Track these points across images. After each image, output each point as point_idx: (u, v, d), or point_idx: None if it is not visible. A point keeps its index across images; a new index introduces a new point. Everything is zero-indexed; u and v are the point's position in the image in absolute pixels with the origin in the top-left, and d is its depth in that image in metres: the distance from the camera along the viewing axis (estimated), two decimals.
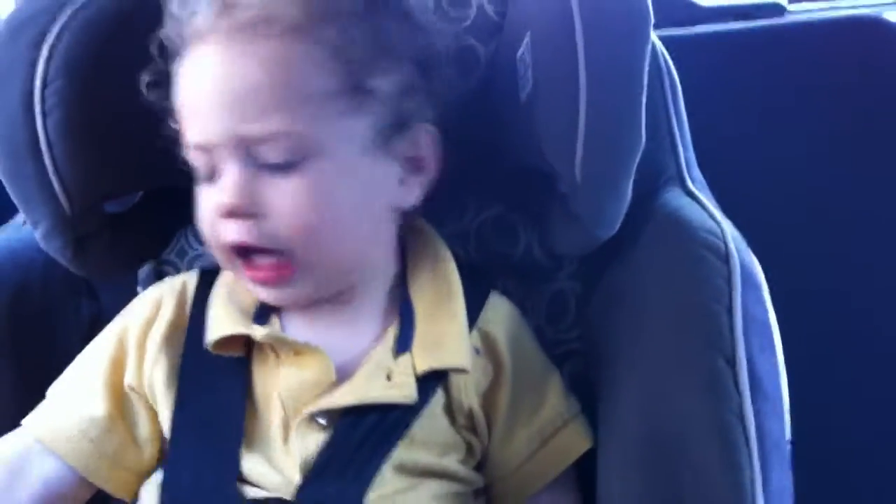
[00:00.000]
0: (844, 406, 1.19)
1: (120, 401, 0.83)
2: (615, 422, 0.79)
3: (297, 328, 0.83)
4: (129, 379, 0.83)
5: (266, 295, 0.81)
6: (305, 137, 0.75)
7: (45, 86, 0.84)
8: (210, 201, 0.78)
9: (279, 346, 0.80)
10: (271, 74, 0.74)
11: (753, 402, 0.69)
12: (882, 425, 1.20)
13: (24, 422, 0.83)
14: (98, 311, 0.98)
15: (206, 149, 0.77)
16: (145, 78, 0.83)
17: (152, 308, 0.87)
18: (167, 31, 0.81)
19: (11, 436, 0.83)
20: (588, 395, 0.86)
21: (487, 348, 0.84)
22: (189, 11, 0.78)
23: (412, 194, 0.83)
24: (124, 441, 0.82)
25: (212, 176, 0.78)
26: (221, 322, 0.82)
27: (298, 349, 0.79)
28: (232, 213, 0.76)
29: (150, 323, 0.85)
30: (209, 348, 0.81)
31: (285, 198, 0.75)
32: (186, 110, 0.78)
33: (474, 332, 0.84)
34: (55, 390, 0.85)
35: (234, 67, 0.75)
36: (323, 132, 0.75)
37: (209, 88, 0.76)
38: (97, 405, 0.82)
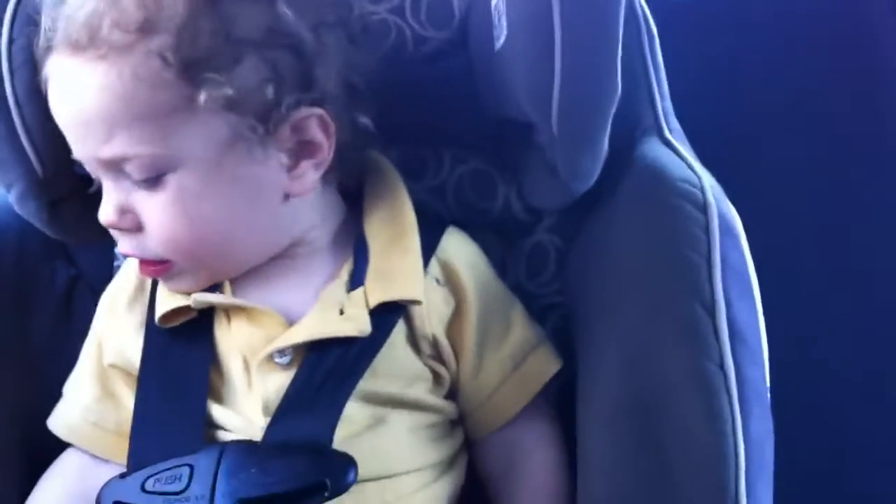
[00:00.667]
0: (840, 388, 1.20)
1: (105, 381, 0.85)
2: (596, 374, 0.79)
3: (248, 284, 0.83)
4: (108, 358, 0.85)
5: (167, 286, 0.82)
6: (155, 156, 0.73)
7: (10, 42, 0.83)
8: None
9: (227, 308, 0.81)
10: (103, 100, 0.72)
11: (733, 350, 0.70)
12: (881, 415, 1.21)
13: (48, 423, 0.86)
14: (75, 276, 0.98)
15: (85, 165, 0.78)
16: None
17: (117, 283, 0.89)
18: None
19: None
20: (570, 349, 0.86)
21: (447, 277, 0.84)
22: (46, 26, 0.75)
23: (306, 179, 0.79)
24: (119, 415, 0.84)
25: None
26: (165, 295, 0.82)
27: (244, 308, 0.80)
28: (113, 227, 0.78)
29: (114, 298, 0.87)
30: (158, 323, 0.81)
31: (153, 214, 0.76)
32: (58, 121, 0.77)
33: (433, 263, 0.83)
34: (66, 387, 0.88)
35: (74, 93, 0.73)
36: (172, 147, 0.73)
37: (59, 111, 0.76)
38: (87, 391, 0.85)
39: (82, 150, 0.76)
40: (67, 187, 0.88)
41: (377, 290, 0.79)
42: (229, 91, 0.72)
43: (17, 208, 0.88)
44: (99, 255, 0.97)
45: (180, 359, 0.81)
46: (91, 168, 0.78)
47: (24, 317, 0.93)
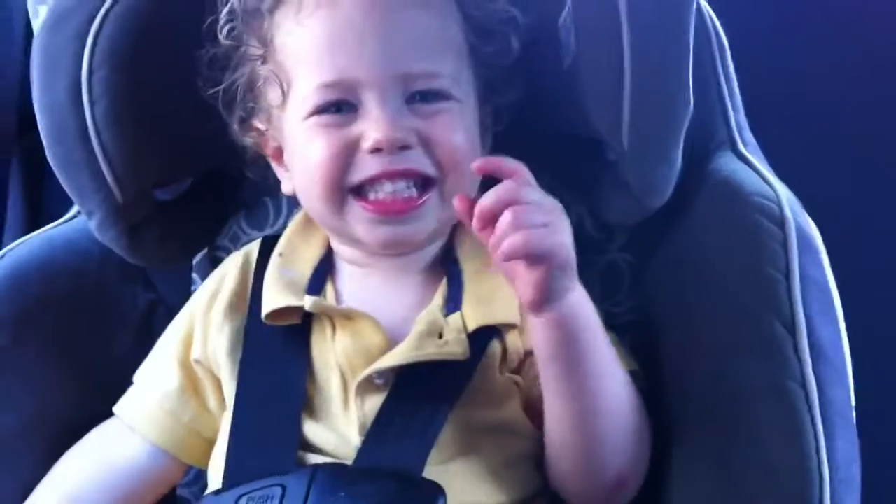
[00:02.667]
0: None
1: (191, 374, 0.87)
2: (675, 391, 0.79)
3: (350, 294, 0.84)
4: (195, 353, 0.86)
5: (383, 233, 0.80)
6: (454, 80, 0.80)
7: (91, 74, 0.85)
8: (342, 135, 0.77)
9: (332, 314, 0.81)
10: (430, 18, 0.79)
11: (814, 367, 0.68)
12: None
13: (114, 409, 0.88)
14: (154, 300, 1.00)
15: (352, 87, 0.77)
16: (208, 51, 0.85)
17: (217, 282, 0.90)
18: None
19: (105, 425, 0.88)
20: (644, 366, 0.84)
21: None
22: None
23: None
24: (198, 410, 0.86)
25: (341, 117, 0.78)
26: (274, 294, 0.83)
27: (350, 315, 0.80)
28: (388, 147, 0.76)
29: (214, 296, 0.88)
30: (265, 320, 0.82)
31: (443, 128, 0.78)
32: (334, 47, 0.77)
33: None
34: (138, 375, 0.89)
35: (399, 8, 0.78)
36: (462, 78, 0.81)
37: (374, 26, 0.77)
38: (170, 379, 0.86)
39: (380, 65, 0.77)
40: (146, 213, 0.91)
41: (474, 315, 0.80)
42: (482, 54, 0.83)
43: (97, 235, 0.90)
44: (177, 278, 1.00)
45: (279, 368, 0.82)
46: (340, 94, 0.77)
47: (105, 341, 0.95)
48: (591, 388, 0.72)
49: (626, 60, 0.76)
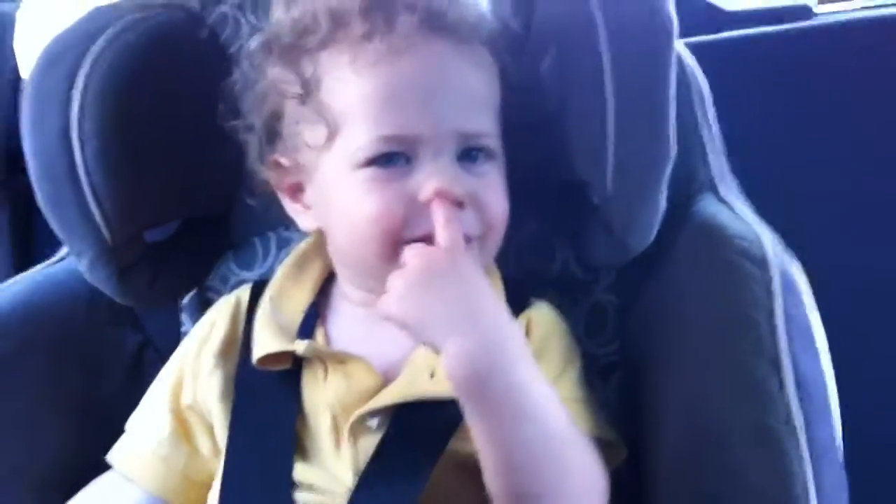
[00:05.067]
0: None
1: (182, 420, 0.87)
2: (659, 433, 0.79)
3: (342, 337, 0.85)
4: (186, 399, 0.86)
5: None
6: (496, 139, 0.82)
7: (81, 115, 0.85)
8: (399, 187, 0.77)
9: (324, 358, 0.82)
10: (483, 78, 0.82)
11: (799, 407, 0.68)
12: None
13: (107, 458, 0.87)
14: (143, 341, 1.00)
15: (411, 142, 0.77)
16: (232, 80, 0.86)
17: (208, 327, 0.90)
18: (298, 24, 0.81)
19: (103, 477, 0.87)
20: (631, 406, 0.86)
21: (524, 331, 0.84)
22: (365, 5, 0.79)
23: None
24: (191, 456, 0.86)
25: (392, 169, 0.78)
26: (265, 339, 0.83)
27: (342, 359, 0.81)
28: (447, 198, 0.76)
29: (204, 342, 0.88)
30: (255, 365, 0.82)
31: (491, 191, 0.81)
32: (397, 100, 0.77)
33: (517, 320, 0.83)
34: (130, 423, 0.89)
35: (461, 68, 0.80)
36: (497, 136, 0.83)
37: (438, 84, 0.78)
38: (163, 427, 0.86)
39: (443, 121, 0.78)
40: (136, 255, 0.91)
41: None
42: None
43: (87, 276, 0.90)
44: (166, 319, 1.00)
45: (270, 412, 0.82)
46: (400, 147, 0.78)
47: (94, 381, 0.95)
48: (509, 440, 0.69)
49: (610, 107, 0.78)
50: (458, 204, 0.77)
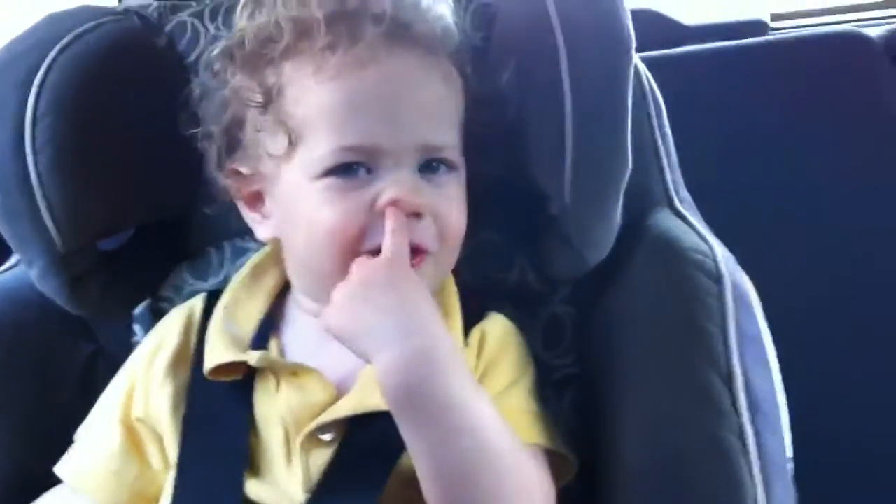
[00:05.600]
0: (845, 417, 1.19)
1: (132, 432, 0.85)
2: (617, 444, 0.79)
3: (295, 348, 0.84)
4: (137, 411, 0.85)
5: None
6: (457, 151, 0.82)
7: (34, 123, 0.84)
8: (357, 198, 0.77)
9: (277, 369, 0.81)
10: (447, 90, 0.82)
11: (752, 419, 0.69)
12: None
13: (56, 469, 0.85)
14: (96, 350, 0.98)
15: (372, 152, 0.77)
16: (194, 91, 0.86)
17: (159, 338, 0.88)
18: (261, 33, 0.80)
19: (54, 490, 0.85)
20: (588, 419, 0.86)
21: (477, 342, 0.84)
22: (331, 15, 0.78)
23: None
24: (141, 469, 0.84)
25: (352, 180, 0.78)
26: (218, 350, 0.82)
27: (295, 370, 0.80)
28: (403, 208, 0.76)
29: (155, 352, 0.87)
30: (207, 376, 0.81)
31: (451, 203, 0.81)
32: (359, 111, 0.77)
33: (472, 332, 0.84)
34: (79, 434, 0.87)
35: (425, 80, 0.80)
36: (459, 147, 0.83)
37: (402, 96, 0.78)
38: (112, 439, 0.84)
39: (405, 133, 0.78)
40: (88, 264, 0.89)
41: None
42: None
43: (38, 285, 0.89)
44: (117, 329, 0.98)
45: (222, 425, 0.81)
46: (360, 157, 0.77)
47: (45, 391, 0.93)
48: (441, 451, 0.69)
49: (568, 120, 0.79)
50: (416, 214, 0.77)
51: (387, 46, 0.78)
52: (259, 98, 0.80)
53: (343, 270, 0.77)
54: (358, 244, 0.77)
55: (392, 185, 0.77)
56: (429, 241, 0.79)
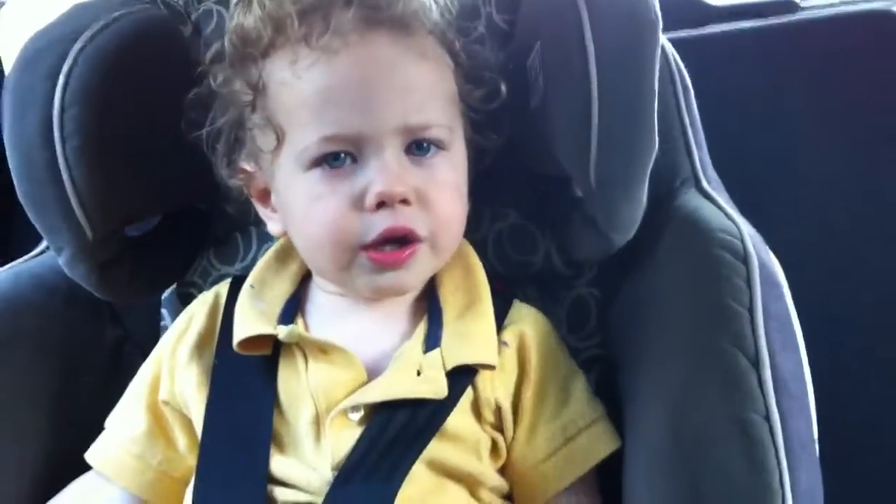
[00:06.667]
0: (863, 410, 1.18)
1: (158, 416, 0.86)
2: (641, 425, 0.79)
3: (323, 327, 0.85)
4: (163, 394, 0.86)
5: (382, 281, 0.80)
6: (447, 130, 0.81)
7: (62, 112, 0.85)
8: (346, 192, 0.78)
9: (305, 346, 0.82)
10: (426, 69, 0.80)
11: (777, 401, 0.69)
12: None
13: (86, 456, 0.87)
14: (123, 336, 1.00)
15: (353, 140, 0.77)
16: (194, 90, 0.86)
17: (185, 322, 0.90)
18: (248, 31, 0.82)
19: (84, 476, 0.87)
20: (613, 401, 0.85)
21: (517, 343, 0.84)
22: (305, 7, 0.79)
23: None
24: (167, 452, 0.85)
25: (340, 169, 0.78)
26: (247, 323, 0.83)
27: (324, 348, 0.81)
28: (390, 201, 0.76)
29: (181, 336, 0.88)
30: (236, 349, 0.82)
31: (441, 186, 0.80)
32: (334, 100, 0.77)
33: (504, 329, 0.85)
34: (109, 421, 0.88)
35: (397, 61, 0.79)
36: (453, 127, 0.82)
37: (374, 79, 0.77)
38: (137, 423, 0.86)
39: (384, 116, 0.77)
40: (116, 250, 0.90)
41: (453, 353, 0.80)
42: (467, 98, 0.85)
43: (67, 271, 0.90)
44: (145, 315, 0.99)
45: (246, 402, 0.81)
46: (344, 147, 0.78)
47: (73, 376, 0.94)
48: None
49: (594, 101, 0.78)
50: (403, 201, 0.77)
51: (358, 31, 0.78)
52: (248, 97, 0.82)
53: (341, 266, 0.79)
54: (352, 241, 0.78)
55: (377, 175, 0.76)
56: (419, 226, 0.78)
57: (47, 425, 0.91)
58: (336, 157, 0.78)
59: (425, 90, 0.80)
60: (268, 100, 0.81)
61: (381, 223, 0.77)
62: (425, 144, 0.80)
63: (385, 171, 0.76)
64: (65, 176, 0.85)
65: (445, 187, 0.80)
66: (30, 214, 0.88)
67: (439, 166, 0.80)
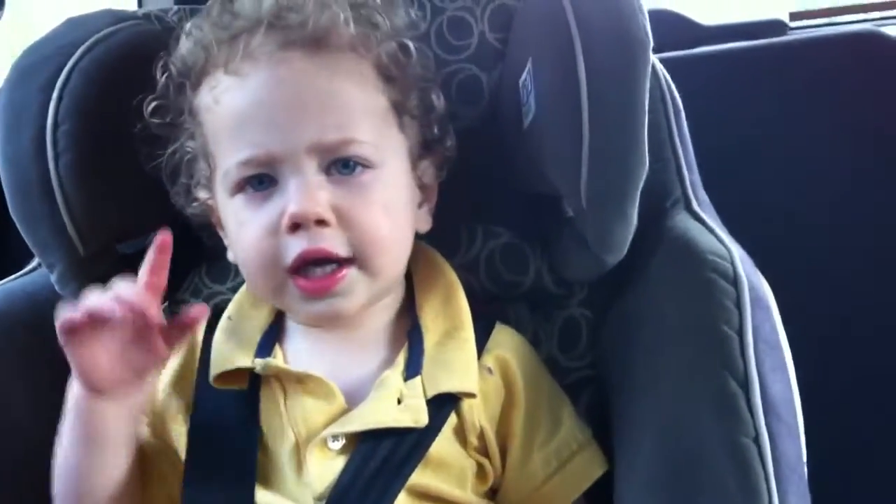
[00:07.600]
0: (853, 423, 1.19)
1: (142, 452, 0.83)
2: (631, 447, 0.79)
3: (300, 357, 0.84)
4: (146, 434, 0.83)
5: (317, 308, 0.79)
6: (373, 147, 0.78)
7: (56, 127, 0.85)
8: (265, 217, 0.77)
9: (283, 377, 0.81)
10: (342, 85, 0.78)
11: (767, 423, 0.69)
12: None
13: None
14: None
15: (268, 162, 0.77)
16: (154, 103, 0.85)
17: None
18: (185, 59, 0.82)
19: None
20: (603, 422, 0.86)
21: (500, 369, 0.84)
22: (228, 34, 0.79)
23: (425, 220, 0.86)
24: (158, 482, 0.82)
25: (263, 192, 0.78)
26: (223, 357, 0.83)
27: (301, 378, 0.80)
28: (305, 222, 0.75)
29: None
30: (213, 384, 0.82)
31: (366, 206, 0.77)
32: (247, 123, 0.77)
33: (486, 355, 0.84)
34: None
35: (307, 78, 0.77)
36: (382, 143, 0.79)
37: (283, 99, 0.77)
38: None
39: (295, 137, 0.76)
40: (108, 267, 0.90)
41: (434, 381, 0.80)
42: (416, 111, 0.84)
43: (58, 288, 0.90)
44: None
45: (229, 436, 0.80)
46: (261, 170, 0.77)
47: (65, 394, 0.93)
48: None
49: (585, 121, 0.78)
50: (320, 222, 0.76)
51: (269, 53, 0.77)
52: (188, 126, 0.82)
53: (275, 291, 0.79)
54: (275, 264, 0.77)
55: (292, 196, 0.75)
56: (338, 248, 0.76)
57: (39, 442, 0.90)
58: (261, 181, 0.77)
59: (343, 106, 0.78)
60: (199, 127, 0.81)
61: (297, 246, 0.76)
62: (351, 163, 0.78)
63: (299, 191, 0.75)
64: (57, 192, 0.86)
65: (373, 206, 0.78)
66: (21, 230, 0.88)
67: (367, 185, 0.78)
